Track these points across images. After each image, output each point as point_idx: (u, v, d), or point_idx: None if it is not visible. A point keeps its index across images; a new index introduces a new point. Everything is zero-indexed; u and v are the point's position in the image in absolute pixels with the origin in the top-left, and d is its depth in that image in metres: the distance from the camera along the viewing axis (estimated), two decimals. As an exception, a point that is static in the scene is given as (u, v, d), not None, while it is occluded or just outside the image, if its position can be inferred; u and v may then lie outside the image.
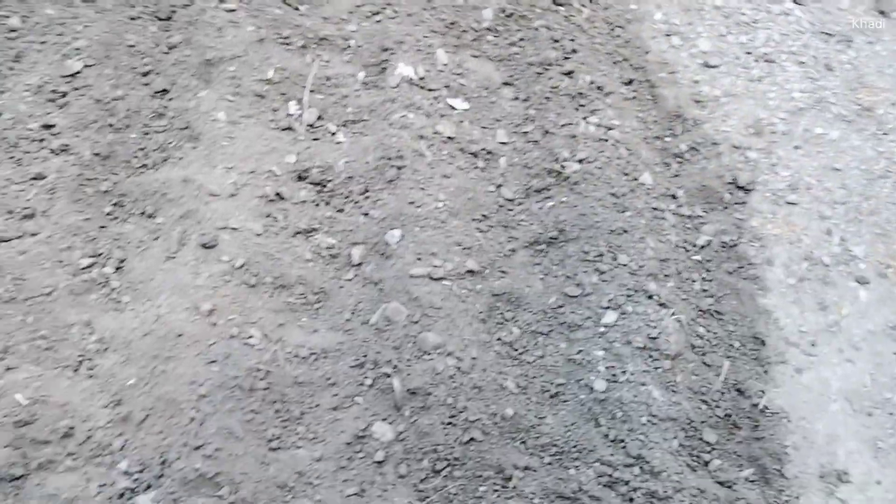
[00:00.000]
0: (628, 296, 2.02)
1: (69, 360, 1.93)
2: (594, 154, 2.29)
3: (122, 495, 1.76)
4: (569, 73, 2.52)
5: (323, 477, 1.81)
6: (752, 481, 1.94)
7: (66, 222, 2.13)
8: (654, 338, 1.96)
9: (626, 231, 2.14)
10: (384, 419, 1.89)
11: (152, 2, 2.71)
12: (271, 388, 1.89)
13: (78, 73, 2.45)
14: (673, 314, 2.01)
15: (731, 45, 2.70)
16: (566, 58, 2.58)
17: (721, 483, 1.83)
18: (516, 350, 2.03)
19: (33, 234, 2.07)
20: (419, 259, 2.07)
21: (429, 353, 1.91)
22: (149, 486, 1.77)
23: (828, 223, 2.35)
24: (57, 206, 2.15)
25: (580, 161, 2.28)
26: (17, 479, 1.75)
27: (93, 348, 1.96)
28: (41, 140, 2.27)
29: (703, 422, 1.92)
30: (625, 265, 2.08)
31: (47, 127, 2.30)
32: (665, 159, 2.44)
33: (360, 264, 2.17)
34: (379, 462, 1.83)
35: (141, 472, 1.79)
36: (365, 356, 1.99)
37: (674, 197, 2.34)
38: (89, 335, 1.98)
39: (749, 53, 2.68)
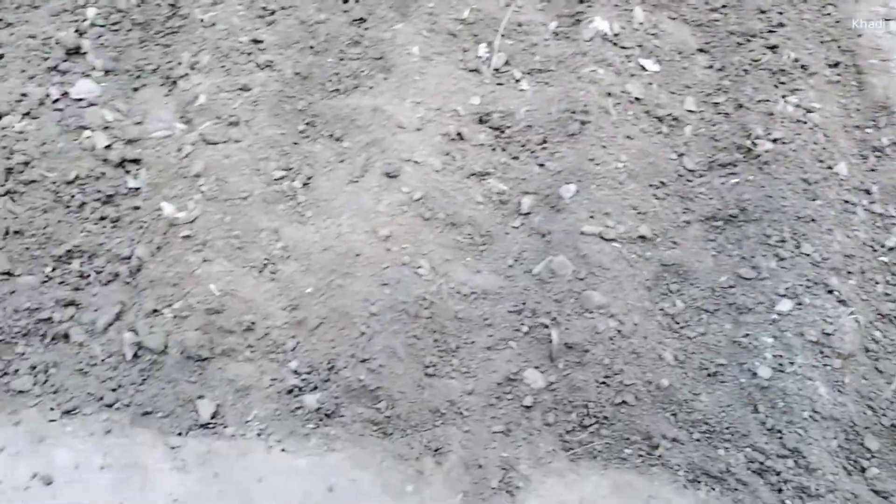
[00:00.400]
0: (807, 287, 1.94)
1: (256, 261, 2.09)
2: (790, 135, 2.19)
3: (290, 391, 1.92)
4: (773, 48, 2.40)
5: (472, 410, 1.89)
6: (908, 498, 1.85)
7: (265, 134, 2.28)
8: (829, 334, 1.88)
9: (813, 220, 2.04)
10: (536, 367, 1.94)
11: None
12: (433, 318, 1.98)
13: (288, -6, 2.58)
14: (851, 313, 1.92)
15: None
16: (771, 31, 2.45)
17: (877, 492, 1.76)
18: (678, 323, 2.01)
19: (236, 141, 2.23)
20: (592, 217, 2.07)
21: (591, 312, 1.93)
22: (315, 388, 1.91)
23: None
24: (258, 117, 2.30)
25: (774, 140, 2.19)
26: (203, 360, 1.94)
27: (277, 254, 2.11)
28: (249, 53, 2.42)
29: (866, 427, 1.84)
30: (807, 255, 1.99)
31: (256, 42, 2.45)
32: (863, 151, 2.29)
33: (528, 213, 2.20)
34: (527, 406, 1.89)
35: (309, 373, 1.93)
36: (524, 304, 2.03)
37: (867, 192, 2.21)
38: (275, 241, 2.13)
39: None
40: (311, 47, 2.50)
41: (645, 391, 1.86)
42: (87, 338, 2.03)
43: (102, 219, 2.21)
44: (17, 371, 1.96)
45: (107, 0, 2.57)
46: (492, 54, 2.49)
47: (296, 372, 1.94)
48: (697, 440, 1.82)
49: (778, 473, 1.74)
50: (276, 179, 2.23)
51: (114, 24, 2.55)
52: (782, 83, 2.33)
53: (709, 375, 1.92)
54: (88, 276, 2.13)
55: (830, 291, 1.95)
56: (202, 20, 2.54)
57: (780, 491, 1.73)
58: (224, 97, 2.31)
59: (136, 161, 2.30)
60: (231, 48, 2.41)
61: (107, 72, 2.46)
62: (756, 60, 2.39)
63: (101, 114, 2.34)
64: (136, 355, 1.97)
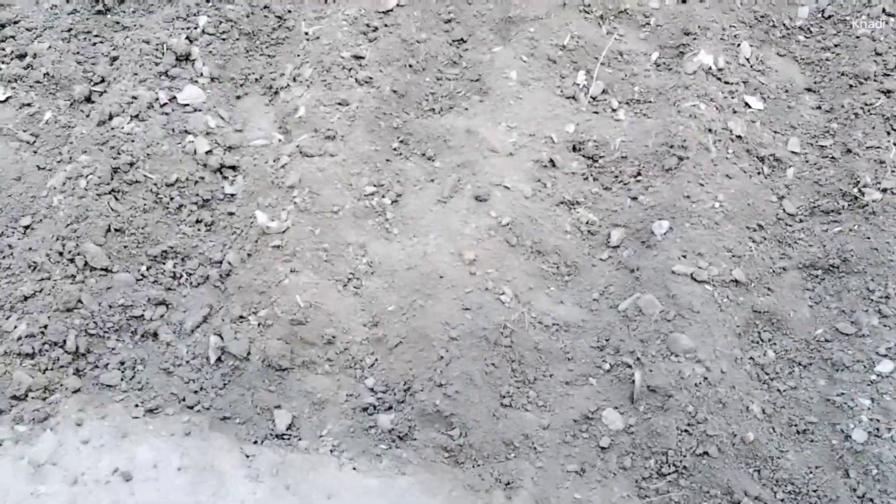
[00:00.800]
0: None
1: (342, 274, 2.11)
2: (902, 183, 2.08)
3: (365, 409, 1.92)
4: (887, 93, 2.28)
5: (547, 446, 1.85)
6: None
7: (360, 150, 2.31)
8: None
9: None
10: (616, 407, 1.89)
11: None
12: (513, 348, 1.95)
13: (391, 10, 2.61)
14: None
15: None
16: (886, 74, 2.33)
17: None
18: (768, 374, 1.93)
19: (332, 155, 2.27)
20: (684, 256, 2.01)
21: (677, 355, 1.87)
22: (390, 408, 1.92)
23: None
24: (354, 133, 2.33)
25: (883, 190, 2.08)
26: (283, 370, 1.97)
27: (362, 269, 2.13)
28: (350, 69, 2.46)
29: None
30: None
31: (357, 58, 2.49)
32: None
33: (617, 247, 2.16)
34: (603, 448, 1.84)
35: (385, 392, 1.94)
36: (607, 340, 1.99)
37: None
38: (361, 256, 2.15)
39: None
40: (410, 66, 2.53)
41: (729, 443, 1.78)
42: (174, 338, 2.09)
43: (198, 222, 2.28)
44: (107, 365, 2.03)
45: (217, 10, 2.66)
46: (590, 82, 2.45)
47: (372, 390, 1.95)
48: (782, 500, 1.74)
49: (868, 546, 1.65)
50: (366, 195, 2.25)
51: (223, 32, 2.63)
52: (895, 130, 2.21)
53: (798, 433, 1.83)
54: (181, 276, 2.20)
55: (940, 355, 1.83)
56: (307, 33, 2.60)
57: (869, 565, 1.63)
58: (323, 111, 2.35)
59: (233, 168, 2.37)
60: (333, 62, 2.46)
61: (213, 79, 2.54)
62: (868, 104, 2.28)
63: (204, 119, 2.42)
64: (219, 359, 2.02)
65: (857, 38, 2.44)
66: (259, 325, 2.02)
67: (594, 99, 2.44)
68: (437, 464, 1.82)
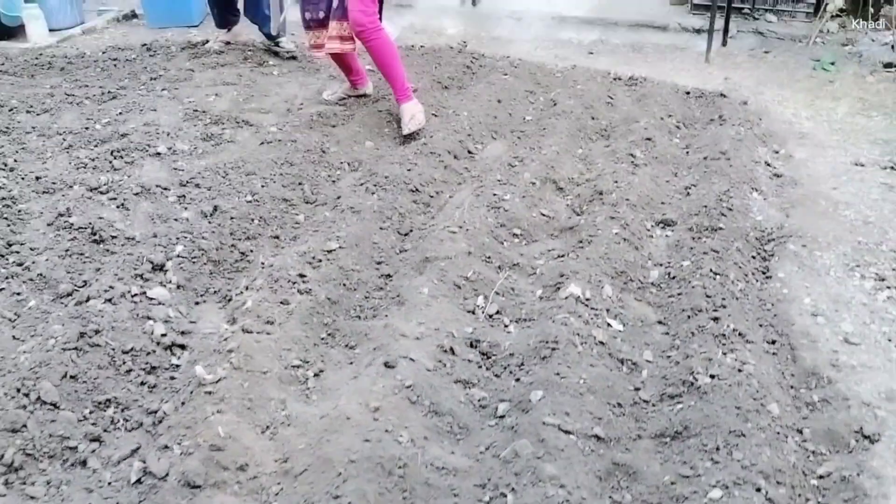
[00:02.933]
0: (736, 483, 2.17)
1: (262, 422, 2.42)
2: (727, 374, 2.58)
3: (266, 524, 2.11)
4: (715, 319, 2.92)
5: (427, 557, 2.04)
6: None
7: (293, 334, 2.78)
8: (759, 520, 2.06)
9: (743, 435, 2.34)
10: (492, 528, 2.12)
11: (398, 222, 3.62)
12: (405, 478, 2.22)
13: (333, 250, 3.30)
14: (781, 510, 2.11)
15: (873, 332, 2.95)
16: (715, 310, 2.99)
17: None
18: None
19: (268, 334, 2.73)
20: (554, 414, 2.41)
21: (543, 482, 2.17)
22: (288, 520, 2.11)
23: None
24: (290, 322, 2.83)
25: (712, 377, 2.58)
26: (196, 487, 2.19)
27: (280, 420, 2.45)
28: (294, 283, 3.05)
29: None
30: (738, 460, 2.25)
31: (301, 276, 3.09)
32: (796, 403, 2.64)
33: (503, 416, 2.54)
34: (478, 561, 2.03)
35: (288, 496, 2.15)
36: (489, 479, 2.28)
37: (800, 431, 2.50)
38: (281, 410, 2.49)
39: (890, 340, 2.91)
40: (344, 285, 3.13)
41: (587, 551, 2.00)
42: (101, 466, 2.31)
43: (143, 384, 2.63)
44: (34, 483, 2.22)
45: (193, 241, 3.31)
46: (486, 304, 3.06)
47: (274, 509, 2.16)
48: None
49: None
50: (293, 366, 2.67)
51: (194, 258, 3.25)
52: (723, 344, 2.79)
53: (650, 552, 2.07)
54: (118, 422, 2.48)
55: (759, 490, 2.17)
56: (262, 263, 3.23)
57: None
58: (266, 306, 2.87)
59: (182, 346, 2.79)
60: (280, 277, 3.05)
61: (179, 286, 3.09)
62: (701, 327, 2.89)
63: (165, 311, 2.91)
64: (139, 480, 2.23)
65: (693, 287, 3.15)
66: (181, 453, 2.27)
67: (490, 316, 3.03)
68: (325, 562, 1.97)
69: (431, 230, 3.49)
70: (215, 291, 3.16)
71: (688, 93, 5.25)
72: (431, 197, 3.90)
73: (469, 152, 4.39)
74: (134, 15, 7.51)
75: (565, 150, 4.38)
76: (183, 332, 2.85)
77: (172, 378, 2.66)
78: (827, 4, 5.91)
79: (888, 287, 3.22)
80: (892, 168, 4.22)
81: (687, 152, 4.48)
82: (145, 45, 6.38)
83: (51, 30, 6.84)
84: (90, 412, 2.47)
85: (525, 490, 2.16)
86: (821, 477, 2.35)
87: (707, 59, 5.82)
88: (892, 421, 2.52)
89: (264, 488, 2.23)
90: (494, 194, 3.80)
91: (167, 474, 2.22)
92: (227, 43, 6.23)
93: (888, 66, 5.56)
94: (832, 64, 5.66)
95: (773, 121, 4.85)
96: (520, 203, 3.76)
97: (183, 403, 2.47)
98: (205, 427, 2.32)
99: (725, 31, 6.09)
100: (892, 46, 5.72)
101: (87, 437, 2.38)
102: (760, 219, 3.73)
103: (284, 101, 5.19)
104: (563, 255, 3.38)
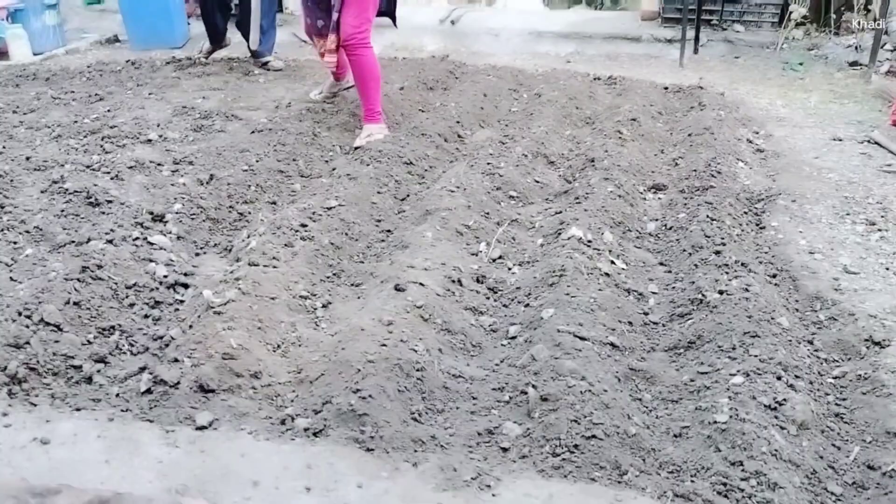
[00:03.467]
0: (756, 372, 2.17)
1: (272, 341, 2.38)
2: (735, 291, 2.61)
3: (283, 421, 2.05)
4: (717, 252, 2.96)
5: (453, 446, 1.99)
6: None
7: (299, 270, 2.75)
8: (781, 403, 2.05)
9: (758, 336, 2.35)
10: (515, 422, 2.08)
11: (394, 188, 3.64)
12: (423, 381, 2.19)
13: (333, 207, 3.29)
14: (801, 396, 2.11)
15: (870, 263, 3.01)
16: (716, 247, 3.03)
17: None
18: (647, 407, 2.19)
19: (274, 267, 2.70)
20: (567, 324, 2.40)
21: (564, 376, 2.15)
22: (307, 417, 2.05)
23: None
24: (295, 261, 2.80)
25: (720, 292, 2.61)
26: (210, 391, 2.13)
27: (291, 340, 2.41)
28: (296, 230, 3.02)
29: (828, 477, 1.89)
30: (755, 356, 2.26)
31: (303, 226, 3.07)
32: (803, 321, 2.66)
33: (514, 337, 2.53)
34: (504, 448, 1.99)
35: (304, 410, 2.09)
36: (507, 383, 2.25)
37: (810, 342, 2.53)
38: (292, 332, 2.45)
39: (888, 269, 2.97)
40: (346, 234, 3.12)
41: (614, 433, 1.97)
42: (107, 382, 2.23)
43: (146, 317, 2.58)
44: (37, 395, 2.14)
45: (190, 200, 3.29)
46: (489, 249, 3.07)
47: (291, 411, 2.10)
48: (661, 474, 1.88)
49: (742, 490, 1.78)
50: (301, 296, 2.64)
51: (192, 215, 3.22)
52: (727, 273, 2.82)
53: (675, 436, 2.04)
54: (123, 347, 2.41)
55: (779, 378, 2.17)
56: (262, 219, 3.22)
57: (747, 504, 1.74)
58: (270, 247, 2.85)
59: (185, 286, 2.75)
60: (282, 225, 3.03)
61: (179, 237, 3.05)
62: (704, 260, 2.93)
63: (167, 255, 2.87)
64: (149, 390, 2.16)
65: (691, 231, 3.19)
66: (192, 364, 2.22)
67: (493, 260, 3.03)
68: (349, 447, 1.92)
69: (429, 192, 3.52)
70: (215, 244, 3.13)
71: (666, 88, 5.42)
72: (426, 170, 3.94)
73: (459, 136, 4.46)
74: (116, 39, 7.57)
75: (553, 131, 4.46)
76: (186, 274, 2.81)
77: (177, 309, 2.60)
78: (791, 13, 6.20)
79: (879, 230, 3.30)
80: (868, 142, 4.37)
81: (671, 133, 4.60)
82: (130, 60, 6.43)
83: (34, 53, 6.86)
84: (94, 337, 2.40)
85: (546, 385, 2.14)
86: (837, 377, 2.36)
87: (681, 63, 6.03)
88: (899, 328, 2.56)
89: (279, 395, 2.17)
90: (489, 163, 3.85)
91: (178, 382, 2.15)
92: (210, 52, 6.31)
93: (854, 64, 5.81)
94: (800, 65, 5.91)
95: (751, 108, 5.02)
96: (514, 171, 3.81)
97: (191, 326, 2.41)
98: (215, 341, 2.27)
99: (696, 39, 6.33)
100: (856, 48, 6.00)
101: (92, 358, 2.31)
102: (748, 182, 3.81)
103: (273, 100, 5.24)
104: (560, 212, 3.42)
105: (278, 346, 2.38)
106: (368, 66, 4.17)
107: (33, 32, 7.05)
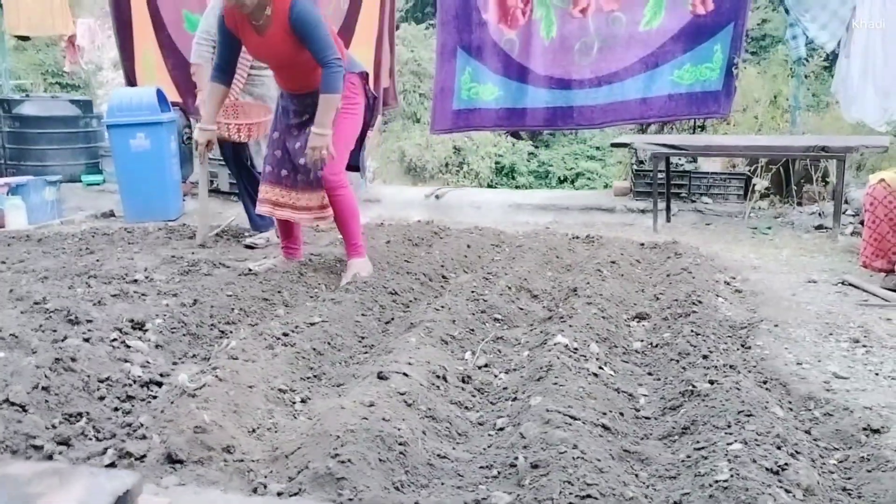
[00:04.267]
0: (756, 442, 2.07)
1: (248, 426, 2.27)
2: (724, 381, 2.56)
3: (255, 489, 1.90)
4: (705, 356, 2.93)
5: (442, 497, 1.84)
6: None
7: (278, 368, 2.68)
8: (783, 468, 1.94)
9: (752, 415, 2.27)
10: (504, 491, 1.94)
11: (378, 312, 3.65)
12: (406, 456, 2.06)
13: (316, 323, 3.27)
14: (804, 463, 2.00)
15: (860, 371, 2.98)
16: (703, 355, 3.00)
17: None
18: (643, 483, 2.06)
19: (253, 362, 2.63)
20: (558, 411, 2.31)
21: (555, 444, 2.03)
22: (280, 483, 1.91)
23: None
24: (275, 362, 2.73)
25: (711, 382, 2.55)
26: (178, 462, 1.99)
27: (268, 426, 2.30)
28: (278, 337, 2.98)
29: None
30: (753, 429, 2.16)
31: (285, 335, 3.04)
32: (798, 417, 2.58)
33: (503, 428, 2.42)
34: (493, 514, 1.84)
35: (278, 481, 1.95)
36: (495, 461, 2.13)
37: (808, 433, 2.43)
38: (269, 419, 2.34)
39: (877, 374, 2.94)
40: (330, 343, 3.07)
41: (610, 494, 1.84)
42: (68, 462, 2.08)
43: (116, 409, 2.46)
44: (-10, 469, 1.98)
45: (173, 318, 3.26)
46: (474, 357, 3.02)
47: (264, 482, 1.95)
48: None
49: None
50: (280, 390, 2.54)
51: (173, 329, 3.19)
52: (715, 370, 2.77)
53: (675, 503, 1.90)
54: (89, 433, 2.28)
55: (779, 447, 2.07)
56: (244, 330, 3.18)
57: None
58: (250, 347, 2.80)
59: (160, 384, 2.65)
60: (265, 332, 3.00)
61: (157, 346, 2.99)
62: (692, 363, 2.89)
63: (143, 358, 2.79)
64: (112, 464, 2.01)
65: (677, 343, 3.18)
66: (161, 441, 2.09)
67: (479, 367, 2.97)
68: (325, 504, 1.77)
69: (414, 313, 3.52)
70: (194, 355, 3.06)
71: (642, 244, 5.63)
72: (410, 301, 3.96)
73: (443, 276, 4.54)
74: (112, 214, 7.85)
75: (535, 272, 4.56)
76: (162, 374, 2.72)
77: (150, 403, 2.49)
78: (755, 185, 6.61)
79: (864, 346, 3.31)
80: (842, 283, 4.49)
81: (650, 276, 4.71)
82: (123, 227, 6.63)
83: (29, 223, 7.09)
84: (59, 422, 2.28)
85: (536, 454, 2.02)
86: (839, 461, 2.26)
87: (655, 229, 6.31)
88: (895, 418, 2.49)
89: (252, 470, 2.03)
90: (473, 292, 3.89)
91: (145, 455, 2.03)
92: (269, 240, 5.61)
93: (819, 227, 6.10)
94: (769, 229, 6.19)
95: (725, 260, 5.18)
96: (498, 298, 3.84)
97: (163, 411, 2.30)
98: (188, 418, 2.17)
99: (668, 209, 6.68)
100: (819, 214, 6.34)
101: (55, 440, 2.17)
102: (730, 314, 3.86)
103: (262, 255, 5.36)
104: (545, 331, 3.41)
105: (254, 430, 2.26)
106: (349, 203, 4.26)
107: (31, 205, 7.32)
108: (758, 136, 6.99)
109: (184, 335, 3.17)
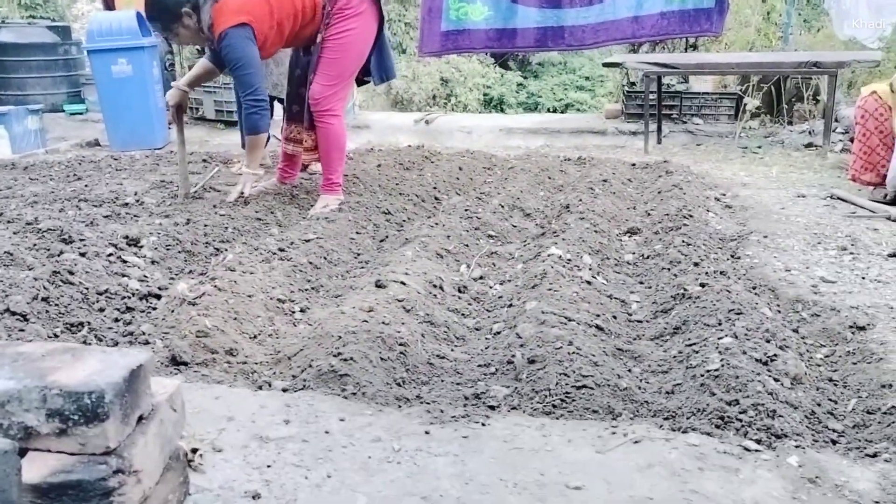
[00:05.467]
0: (746, 336, 2.13)
1: (249, 332, 2.31)
2: (715, 284, 2.61)
3: (261, 387, 1.95)
4: (696, 264, 2.97)
5: (441, 402, 1.89)
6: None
7: (276, 279, 2.70)
8: (772, 358, 2.00)
9: (742, 313, 2.33)
10: (503, 385, 2.00)
11: (373, 231, 3.65)
12: (406, 356, 2.11)
13: (311, 239, 3.28)
14: (792, 354, 2.06)
15: (847, 275, 3.04)
16: (695, 262, 3.05)
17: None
18: (637, 378, 2.12)
19: (251, 273, 2.65)
20: (553, 313, 2.36)
21: (550, 342, 2.09)
22: (284, 380, 1.95)
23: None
24: (272, 274, 2.76)
25: (702, 285, 2.60)
26: (182, 364, 2.03)
27: (268, 332, 2.34)
28: (274, 253, 3.00)
29: (828, 418, 1.81)
30: (743, 326, 2.22)
31: (281, 250, 3.05)
32: (787, 318, 2.65)
33: (499, 332, 2.47)
34: (492, 406, 1.89)
35: (282, 379, 1.99)
36: (493, 360, 2.18)
37: (795, 331, 2.50)
38: (269, 326, 2.37)
39: (864, 278, 3.00)
40: (325, 258, 3.09)
41: (605, 384, 1.90)
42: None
43: (117, 320, 2.48)
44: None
45: (168, 235, 3.27)
46: (468, 270, 3.05)
47: (268, 383, 2.00)
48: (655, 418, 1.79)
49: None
50: (279, 300, 2.57)
51: (168, 246, 3.19)
52: (706, 275, 2.82)
53: (667, 393, 1.96)
54: (91, 342, 2.31)
55: (768, 341, 2.13)
56: (239, 252, 3.19)
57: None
58: (247, 260, 2.81)
59: (158, 297, 2.67)
60: (260, 247, 3.01)
61: (153, 262, 3.00)
62: (683, 270, 2.93)
63: (141, 272, 2.81)
64: (117, 367, 2.05)
65: (668, 253, 3.22)
66: (165, 345, 2.12)
67: (475, 280, 3.01)
68: (330, 396, 1.81)
69: (409, 230, 3.53)
70: (190, 271, 3.07)
71: (633, 164, 5.63)
72: (404, 221, 3.98)
73: (436, 198, 4.54)
74: (97, 143, 7.74)
75: (528, 192, 4.57)
76: (160, 288, 2.74)
77: (151, 311, 2.52)
78: (746, 105, 6.58)
79: (851, 253, 3.36)
80: (830, 197, 4.53)
81: (641, 193, 4.73)
82: (110, 155, 6.55)
83: (13, 153, 6.98)
84: (61, 331, 2.30)
85: (533, 351, 2.07)
86: (826, 356, 2.33)
87: (646, 151, 6.31)
88: (883, 315, 2.55)
89: (255, 371, 2.07)
90: (466, 210, 3.90)
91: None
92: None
93: (809, 146, 6.12)
94: (759, 148, 6.20)
95: (715, 178, 5.21)
96: (492, 216, 3.86)
97: (164, 318, 2.33)
98: (190, 324, 2.19)
99: (659, 130, 6.66)
100: (809, 132, 6.34)
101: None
102: (720, 227, 3.89)
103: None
104: (539, 235, 3.44)
105: (255, 336, 2.30)
106: (335, 135, 4.00)
107: (14, 135, 7.20)
108: (750, 53, 6.92)
109: (179, 252, 3.18)
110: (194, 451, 1.38)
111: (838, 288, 2.89)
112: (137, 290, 2.67)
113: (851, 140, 5.33)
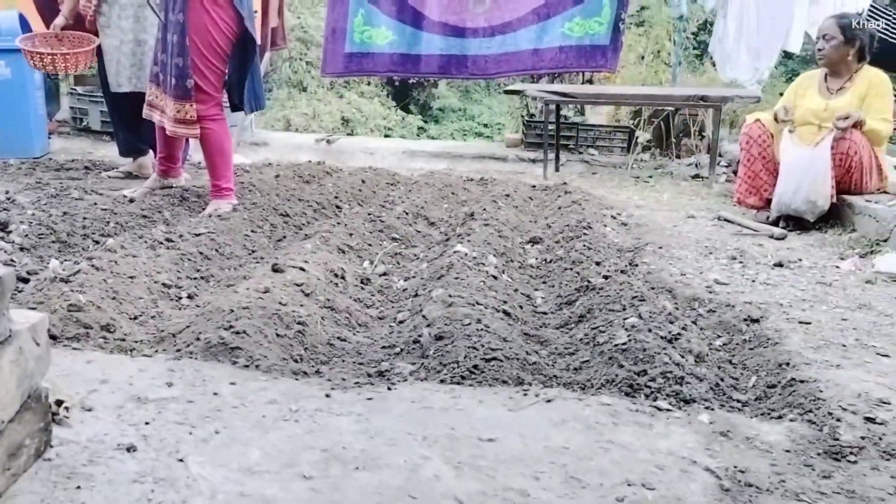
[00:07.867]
0: (651, 318, 2.13)
1: (129, 312, 2.10)
2: (617, 276, 2.62)
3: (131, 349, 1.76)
4: (598, 263, 2.99)
5: (342, 384, 1.77)
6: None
7: (161, 264, 2.50)
8: (676, 337, 2.00)
9: (644, 300, 2.33)
10: (409, 362, 1.89)
11: (269, 231, 3.49)
12: (304, 334, 1.97)
13: (202, 234, 3.09)
14: (695, 334, 2.07)
15: (738, 279, 3.15)
16: (597, 262, 3.07)
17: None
18: (544, 359, 2.07)
19: (134, 256, 2.44)
20: (458, 292, 2.29)
21: (459, 319, 2.01)
22: (166, 354, 1.78)
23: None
24: (158, 261, 2.56)
25: (605, 277, 2.61)
26: (52, 338, 1.81)
27: (151, 313, 2.14)
28: (161, 242, 2.79)
29: (732, 391, 1.81)
30: (646, 309, 2.22)
31: (169, 240, 2.85)
32: (685, 315, 2.68)
33: (403, 321, 2.37)
34: (394, 383, 1.79)
35: (165, 352, 1.81)
36: (398, 342, 2.07)
37: (694, 322, 2.53)
38: (153, 307, 2.18)
39: (754, 281, 3.11)
40: (217, 251, 2.91)
41: (514, 357, 1.83)
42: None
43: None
44: None
45: (41, 225, 2.99)
46: (373, 267, 2.95)
47: (149, 356, 1.81)
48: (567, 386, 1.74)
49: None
50: (164, 284, 2.37)
51: (40, 235, 2.92)
52: (607, 272, 2.84)
53: (575, 369, 1.92)
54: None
55: (671, 322, 2.13)
56: (122, 240, 2.96)
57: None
58: (130, 246, 2.60)
59: (26, 280, 2.41)
60: (146, 236, 2.79)
61: (22, 248, 2.73)
62: (586, 268, 2.94)
63: (6, 257, 2.54)
64: (-28, 342, 1.80)
65: (570, 255, 3.23)
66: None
67: (379, 275, 2.90)
68: (220, 363, 1.65)
69: (309, 231, 3.40)
70: (65, 260, 2.81)
71: (533, 186, 5.72)
72: (303, 224, 3.83)
73: (337, 207, 4.42)
74: (-33, 151, 7.16)
75: (432, 203, 4.53)
76: (29, 272, 2.48)
77: (17, 294, 2.26)
78: (637, 138, 6.87)
79: (740, 262, 3.49)
80: (718, 219, 4.73)
81: (542, 209, 4.78)
82: (-20, 160, 6.05)
83: None
84: None
85: (440, 329, 1.99)
86: (724, 343, 2.36)
87: (545, 177, 6.44)
88: (774, 310, 2.63)
89: (135, 349, 1.88)
90: (370, 214, 3.80)
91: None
92: (129, 174, 5.08)
93: (696, 177, 6.43)
94: (650, 177, 6.46)
95: (611, 200, 5.35)
96: (396, 221, 3.78)
97: (32, 295, 2.09)
98: (60, 300, 1.98)
99: (557, 159, 6.82)
100: (696, 164, 6.66)
101: None
102: (617, 240, 3.97)
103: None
104: (448, 239, 3.38)
105: (136, 316, 2.10)
106: (215, 138, 3.79)
107: None
108: (643, 87, 7.24)
109: (53, 241, 2.91)
110: (59, 402, 1.20)
111: (731, 289, 2.97)
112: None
113: (735, 172, 5.62)
